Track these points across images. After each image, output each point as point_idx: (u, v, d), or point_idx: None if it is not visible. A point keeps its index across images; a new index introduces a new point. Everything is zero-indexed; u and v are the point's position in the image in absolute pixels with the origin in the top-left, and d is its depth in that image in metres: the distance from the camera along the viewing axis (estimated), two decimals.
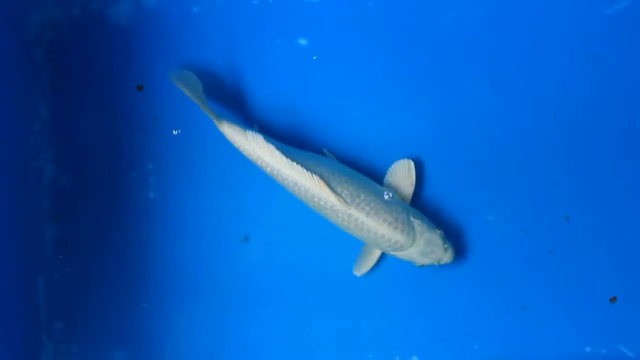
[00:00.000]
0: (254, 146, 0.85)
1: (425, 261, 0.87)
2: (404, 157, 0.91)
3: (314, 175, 0.84)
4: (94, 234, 0.93)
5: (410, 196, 0.90)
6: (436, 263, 0.88)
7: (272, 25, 0.93)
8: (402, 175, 0.90)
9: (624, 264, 0.94)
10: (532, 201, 0.94)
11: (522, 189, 0.94)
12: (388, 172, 0.91)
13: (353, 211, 0.84)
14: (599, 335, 0.94)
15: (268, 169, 0.86)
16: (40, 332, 0.93)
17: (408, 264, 0.90)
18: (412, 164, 0.90)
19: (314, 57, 0.93)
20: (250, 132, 0.85)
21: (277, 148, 0.85)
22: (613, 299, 0.94)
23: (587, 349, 0.94)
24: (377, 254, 0.90)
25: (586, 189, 0.94)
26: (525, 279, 0.94)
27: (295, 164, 0.84)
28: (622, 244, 0.94)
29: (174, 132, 0.93)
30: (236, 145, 0.87)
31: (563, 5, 0.94)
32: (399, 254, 0.87)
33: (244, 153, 0.87)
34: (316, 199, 0.85)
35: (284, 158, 0.84)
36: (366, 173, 0.90)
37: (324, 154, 0.91)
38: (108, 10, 0.92)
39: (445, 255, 0.87)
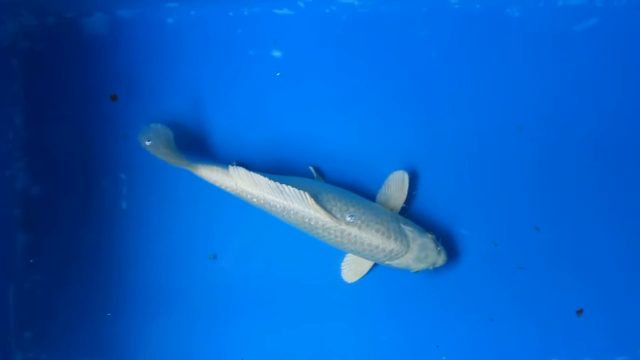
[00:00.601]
0: (237, 180, 0.85)
1: (421, 266, 0.88)
2: (375, 171, 0.93)
3: (303, 193, 0.83)
4: (65, 243, 0.93)
5: (400, 206, 0.91)
6: (431, 267, 0.88)
7: (247, 36, 0.94)
8: (396, 185, 0.91)
9: (590, 277, 0.95)
10: (502, 214, 0.95)
11: (493, 203, 0.95)
12: (385, 183, 0.91)
13: (345, 226, 0.85)
14: (566, 347, 0.95)
15: (255, 200, 0.86)
16: (10, 341, 0.93)
17: (376, 277, 0.91)
18: (406, 175, 0.91)
19: (278, 74, 0.94)
20: (230, 167, 0.85)
21: (261, 176, 0.84)
22: (580, 312, 0.95)
23: None
24: (368, 264, 0.91)
25: (554, 201, 0.95)
26: (493, 291, 0.95)
27: (283, 186, 0.84)
28: (589, 257, 0.95)
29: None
30: (218, 184, 0.87)
31: (533, 22, 0.95)
32: (394, 263, 0.88)
33: (227, 190, 0.86)
34: (307, 220, 0.85)
35: (270, 184, 0.84)
36: (347, 186, 0.91)
37: (308, 170, 0.92)
38: (83, 20, 0.92)
39: (439, 258, 0.88)
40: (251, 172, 0.84)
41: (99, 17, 0.93)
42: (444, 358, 0.94)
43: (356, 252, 0.88)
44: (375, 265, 0.91)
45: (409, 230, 0.87)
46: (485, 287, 0.94)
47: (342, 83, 0.95)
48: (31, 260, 0.93)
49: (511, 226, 0.95)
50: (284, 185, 0.83)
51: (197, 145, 0.93)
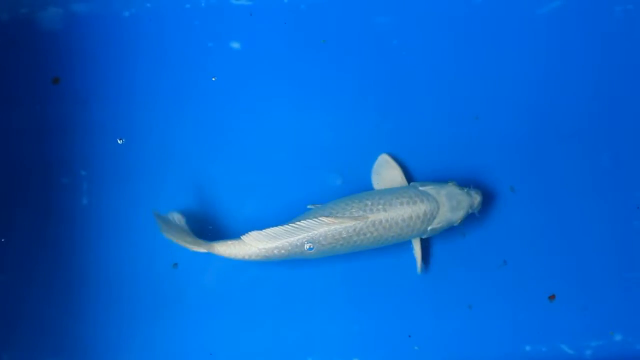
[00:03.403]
0: (255, 244, 0.84)
1: (461, 214, 0.87)
2: (352, 157, 0.93)
3: (318, 218, 0.83)
4: (25, 241, 0.91)
5: (405, 181, 0.90)
6: (471, 210, 0.88)
7: (205, 28, 0.93)
8: (386, 169, 0.91)
9: (563, 262, 0.94)
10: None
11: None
12: (372, 174, 0.91)
13: (372, 217, 0.84)
14: (539, 333, 0.94)
15: (283, 251, 0.85)
16: None
17: (342, 264, 0.90)
18: (386, 156, 0.91)
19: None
20: (242, 236, 0.84)
21: (274, 228, 0.84)
22: (552, 297, 0.94)
23: (527, 348, 0.93)
24: (417, 243, 0.90)
25: (526, 187, 0.95)
26: (469, 279, 0.94)
27: (297, 223, 0.83)
28: (561, 241, 0.94)
29: (118, 141, 0.92)
30: (240, 257, 0.85)
31: (496, 5, 0.95)
32: (436, 224, 0.87)
33: (252, 258, 0.85)
34: (337, 237, 0.84)
35: (285, 228, 0.83)
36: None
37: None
38: (37, 16, 0.92)
39: (473, 199, 0.88)
40: (261, 230, 0.84)
41: (54, 11, 0.92)
42: (416, 348, 0.93)
43: (398, 237, 0.87)
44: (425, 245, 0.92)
45: (429, 188, 0.87)
46: (467, 274, 0.94)
47: (302, 72, 0.94)
48: (2, 240, 0.91)
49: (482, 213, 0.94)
50: (296, 222, 0.83)
51: (158, 141, 0.93)
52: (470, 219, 0.91)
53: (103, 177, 0.92)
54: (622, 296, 0.94)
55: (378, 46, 0.94)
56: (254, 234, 0.84)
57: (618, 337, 0.94)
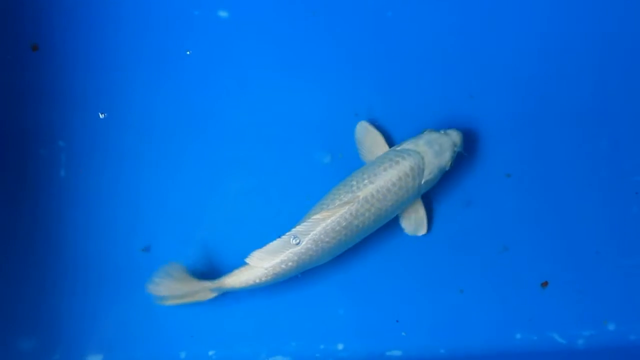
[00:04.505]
0: (261, 263, 0.82)
1: (447, 155, 0.86)
2: (341, 134, 0.91)
3: (311, 218, 0.81)
4: (0, 215, 0.88)
5: (386, 146, 0.88)
6: (456, 148, 0.86)
7: None
8: (367, 135, 0.89)
9: (557, 248, 0.92)
10: (464, 184, 0.92)
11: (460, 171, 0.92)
12: (357, 142, 0.89)
13: (362, 193, 0.82)
14: (531, 321, 0.91)
15: (290, 264, 0.82)
16: None
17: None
18: (365, 123, 0.89)
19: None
20: (246, 259, 0.82)
21: (273, 242, 0.82)
22: (544, 284, 0.91)
23: (518, 336, 0.91)
24: (419, 204, 0.89)
25: (522, 170, 0.93)
26: (462, 263, 0.91)
27: (293, 230, 0.81)
28: (556, 227, 0.92)
29: (100, 115, 0.89)
30: (251, 283, 0.83)
31: None
32: (428, 175, 0.85)
33: (263, 279, 0.83)
34: (338, 229, 0.82)
35: (283, 239, 0.82)
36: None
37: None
38: None
39: (452, 137, 0.86)
40: (262, 248, 0.82)
41: None
42: (403, 334, 0.90)
43: (397, 203, 0.84)
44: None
45: (406, 144, 0.86)
46: (459, 258, 0.91)
47: (293, 46, 0.92)
48: None
49: (476, 197, 0.92)
50: (292, 230, 0.82)
51: (139, 112, 0.90)
52: (459, 163, 0.90)
53: (82, 149, 0.89)
54: (618, 284, 0.92)
55: (371, 19, 0.92)
56: (255, 254, 0.82)
57: (611, 327, 0.92)
